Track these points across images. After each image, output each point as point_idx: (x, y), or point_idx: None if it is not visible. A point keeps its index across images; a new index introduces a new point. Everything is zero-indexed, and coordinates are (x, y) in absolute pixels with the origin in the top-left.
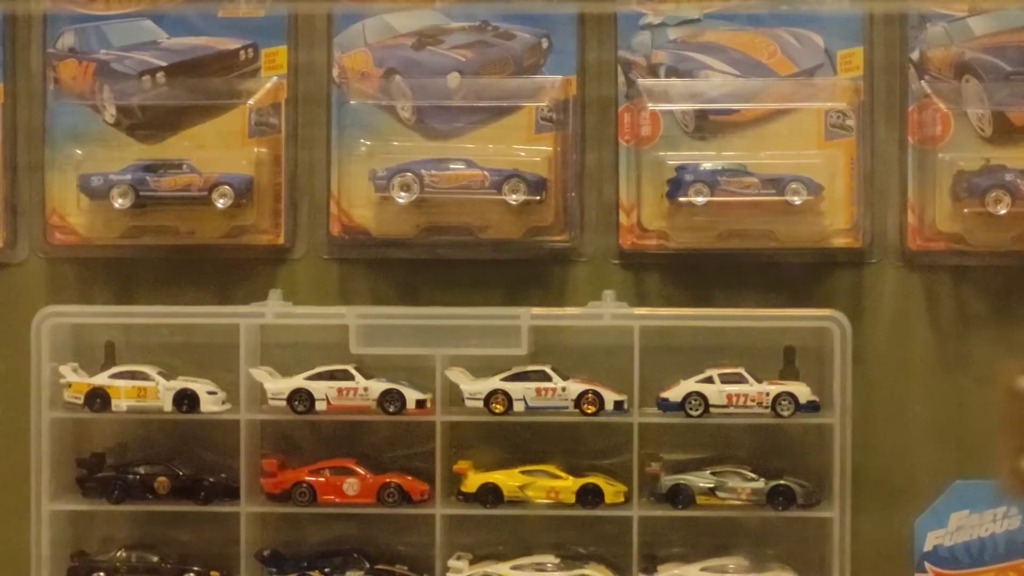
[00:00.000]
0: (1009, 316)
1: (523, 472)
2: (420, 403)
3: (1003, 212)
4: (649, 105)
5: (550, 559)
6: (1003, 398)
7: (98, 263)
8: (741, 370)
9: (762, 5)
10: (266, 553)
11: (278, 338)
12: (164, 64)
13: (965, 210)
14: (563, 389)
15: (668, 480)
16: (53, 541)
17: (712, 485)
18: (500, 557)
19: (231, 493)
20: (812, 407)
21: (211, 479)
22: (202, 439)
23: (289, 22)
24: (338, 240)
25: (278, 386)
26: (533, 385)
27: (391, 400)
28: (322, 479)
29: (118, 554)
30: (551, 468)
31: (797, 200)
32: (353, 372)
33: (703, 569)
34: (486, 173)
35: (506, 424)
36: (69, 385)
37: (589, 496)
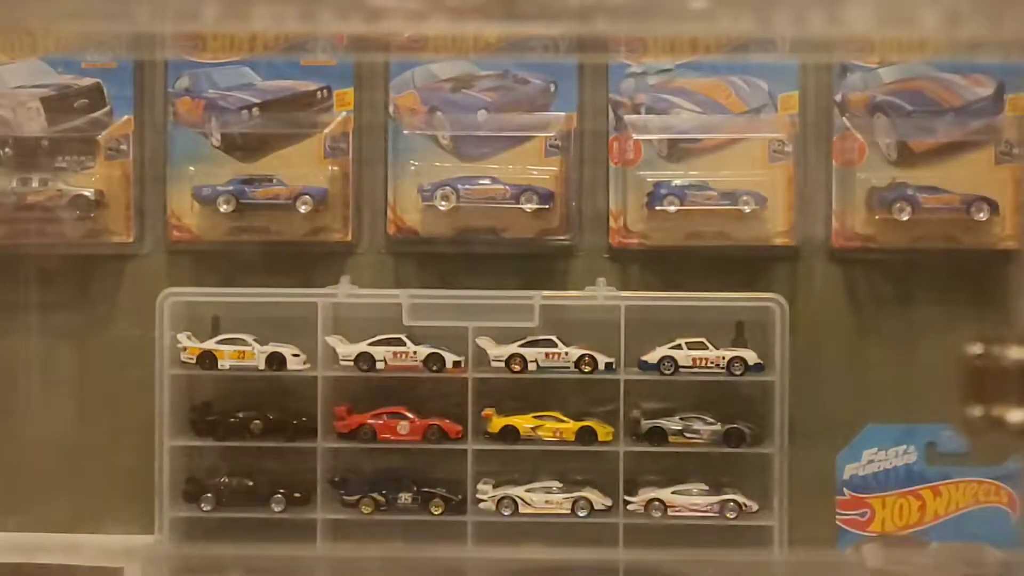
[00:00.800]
0: (908, 297)
1: (535, 417)
2: (456, 363)
3: (906, 218)
4: (633, 135)
5: (555, 484)
6: (956, 363)
7: (207, 254)
8: (703, 339)
9: (721, 57)
10: (337, 479)
11: (347, 313)
12: (258, 101)
13: (876, 217)
14: (566, 353)
15: (647, 424)
16: (172, 469)
17: (681, 428)
18: (517, 482)
19: (310, 433)
20: (758, 368)
21: (295, 422)
22: (288, 391)
23: (355, 69)
24: (393, 238)
25: (347, 350)
26: (543, 350)
27: (434, 361)
28: (380, 422)
29: (222, 480)
30: (556, 414)
31: (747, 209)
32: (405, 340)
33: (673, 492)
34: (507, 187)
35: (522, 380)
36: (184, 349)
37: (586, 436)
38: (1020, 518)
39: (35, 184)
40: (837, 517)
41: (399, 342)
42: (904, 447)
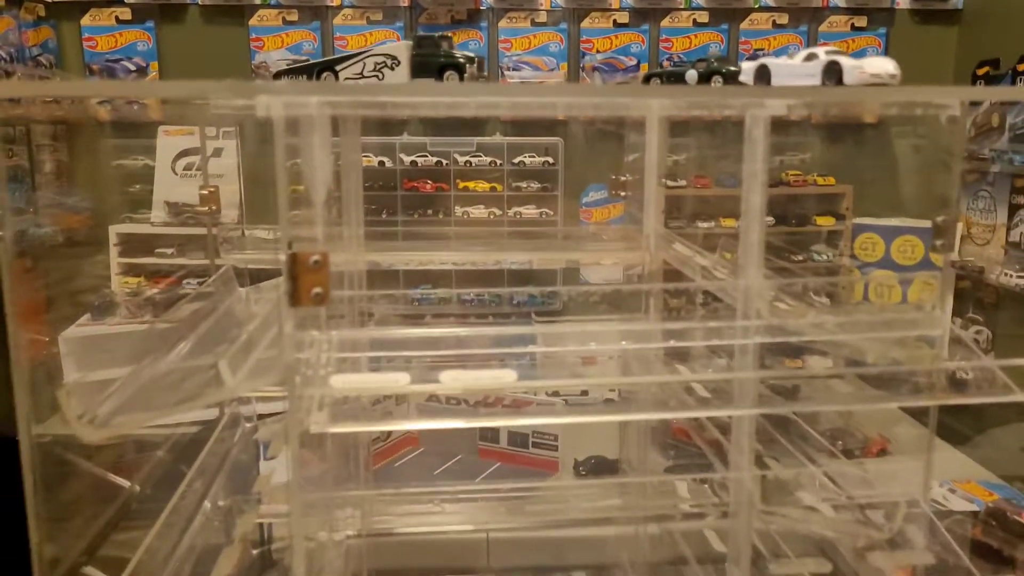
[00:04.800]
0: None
1: (476, 184)
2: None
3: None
4: None
5: (483, 206)
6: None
7: None
8: (534, 153)
9: None
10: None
11: (407, 149)
12: None
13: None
14: (485, 158)
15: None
16: None
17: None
18: (470, 208)
19: (394, 188)
20: (552, 164)
21: (390, 184)
22: (385, 173)
23: None
24: None
25: (408, 157)
26: (480, 159)
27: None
28: (427, 184)
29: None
30: (484, 182)
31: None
32: (443, 162)
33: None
34: None
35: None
36: None
37: (492, 191)
38: None
39: None
40: (581, 216)
41: (424, 155)
42: (604, 192)
